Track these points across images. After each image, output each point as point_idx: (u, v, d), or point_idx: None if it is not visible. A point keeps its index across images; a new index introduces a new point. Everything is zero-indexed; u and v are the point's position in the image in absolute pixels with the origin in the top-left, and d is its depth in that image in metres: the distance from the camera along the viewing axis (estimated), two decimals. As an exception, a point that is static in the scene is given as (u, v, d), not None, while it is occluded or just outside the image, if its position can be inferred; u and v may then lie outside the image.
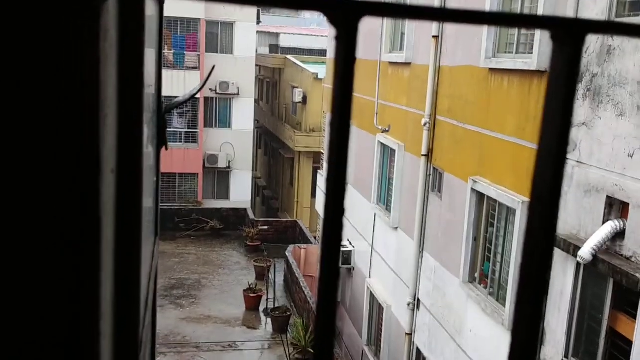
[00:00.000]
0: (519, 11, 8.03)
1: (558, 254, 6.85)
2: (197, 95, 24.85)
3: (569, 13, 6.75)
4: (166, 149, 1.63)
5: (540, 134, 0.45)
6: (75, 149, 0.53)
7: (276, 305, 16.87)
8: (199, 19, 25.13)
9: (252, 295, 17.33)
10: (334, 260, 0.42)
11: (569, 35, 0.43)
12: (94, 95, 0.53)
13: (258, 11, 27.15)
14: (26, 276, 0.54)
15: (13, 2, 0.49)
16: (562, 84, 0.43)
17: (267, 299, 17.19)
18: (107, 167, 0.62)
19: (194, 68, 25.14)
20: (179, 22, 25.10)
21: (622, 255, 5.98)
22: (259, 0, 0.37)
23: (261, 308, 17.39)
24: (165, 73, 25.57)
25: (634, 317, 5.85)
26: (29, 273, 0.54)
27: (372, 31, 13.25)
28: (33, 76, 0.51)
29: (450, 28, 9.82)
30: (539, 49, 7.22)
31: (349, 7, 0.37)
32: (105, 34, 0.57)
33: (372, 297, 13.12)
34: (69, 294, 0.56)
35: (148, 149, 1.41)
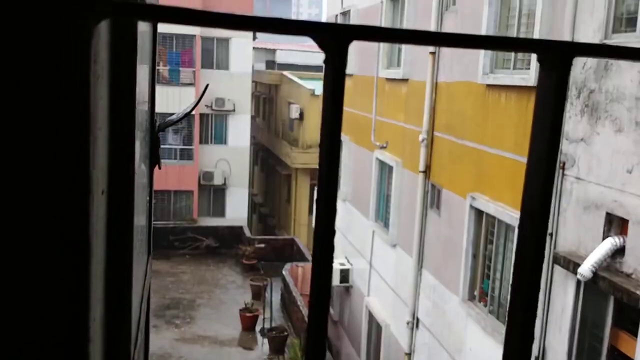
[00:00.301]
0: (515, 28, 8.04)
1: (558, 271, 6.78)
2: (192, 112, 24.85)
3: (566, 30, 6.75)
4: (159, 167, 1.59)
5: (530, 153, 0.47)
6: (65, 171, 0.53)
7: (273, 325, 16.70)
8: (195, 35, 25.22)
9: (248, 315, 17.16)
10: (326, 277, 0.44)
11: (556, 58, 0.43)
12: (84, 117, 0.53)
13: (254, 29, 27.26)
14: (13, 297, 0.55)
15: (5, 25, 0.49)
16: (550, 106, 0.44)
17: (263, 319, 17.03)
18: (98, 188, 0.61)
19: (189, 84, 25.17)
20: (174, 38, 25.19)
21: (622, 272, 5.92)
22: (250, 25, 0.36)
23: (257, 328, 17.22)
24: (160, 89, 25.67)
25: (635, 335, 5.78)
26: (16, 293, 0.55)
27: (368, 47, 13.29)
28: (24, 97, 0.52)
29: (447, 44, 9.84)
30: (537, 65, 7.21)
31: (337, 32, 0.37)
32: (96, 56, 0.57)
33: (371, 316, 13.00)
34: (58, 315, 0.56)
35: (141, 168, 1.37)
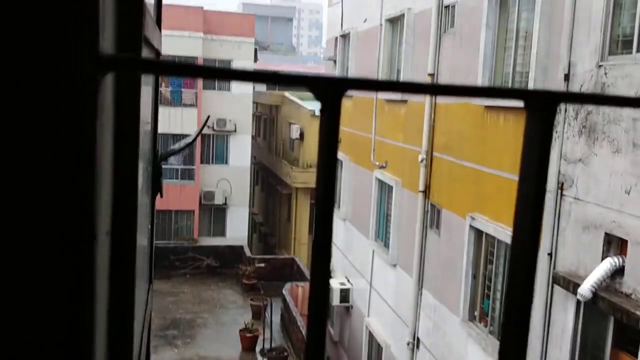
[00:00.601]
0: (513, 50, 8.13)
1: (558, 291, 6.78)
2: (194, 140, 24.94)
3: (563, 52, 6.84)
4: (161, 196, 1.62)
5: (517, 198, 0.48)
6: (71, 217, 0.55)
7: (273, 346, 16.60)
8: (197, 57, 25.43)
9: (248, 335, 17.06)
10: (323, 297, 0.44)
11: (541, 105, 0.46)
12: (90, 165, 0.55)
13: (255, 49, 27.52)
14: (17, 338, 0.56)
15: (18, 76, 0.52)
16: (537, 150, 0.46)
17: (263, 339, 16.92)
18: (102, 230, 0.63)
19: (191, 105, 25.33)
20: (175, 60, 25.35)
21: (622, 292, 5.92)
22: (251, 78, 0.38)
23: (257, 348, 17.10)
24: (162, 110, 25.74)
25: (636, 355, 5.76)
26: (20, 336, 0.56)
27: (368, 69, 13.41)
28: (34, 146, 0.54)
29: (445, 65, 9.94)
30: (534, 86, 7.29)
31: (332, 83, 0.39)
32: (103, 106, 0.60)
33: (371, 336, 12.93)
34: (63, 353, 0.57)
35: (143, 197, 1.40)
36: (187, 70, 0.39)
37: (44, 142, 0.53)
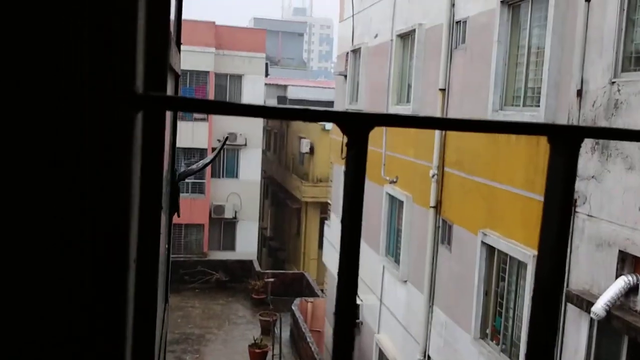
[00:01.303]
0: (524, 66, 8.11)
1: (571, 309, 6.70)
2: (205, 146, 25.09)
3: (575, 69, 6.81)
4: (178, 216, 1.62)
5: (541, 231, 0.48)
6: (106, 246, 0.56)
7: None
8: (208, 72, 25.60)
9: (257, 350, 16.98)
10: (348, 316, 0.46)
11: (565, 140, 0.45)
12: (125, 196, 0.57)
13: (266, 64, 27.68)
14: None
15: (60, 117, 0.53)
16: (561, 186, 0.46)
17: (272, 355, 16.83)
18: (131, 259, 0.63)
19: (202, 119, 25.46)
20: (188, 74, 25.58)
21: (636, 311, 5.84)
22: (279, 114, 0.38)
23: (267, 363, 17.01)
24: (174, 125, 25.54)
25: (652, 376, 5.66)
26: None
27: (379, 83, 13.43)
28: (76, 185, 0.55)
29: (457, 81, 9.93)
30: (546, 102, 7.26)
31: (360, 119, 0.40)
32: (135, 141, 0.61)
33: (381, 353, 12.82)
34: None
35: (162, 219, 1.39)
36: (215, 107, 0.38)
37: (85, 182, 0.54)
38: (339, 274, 0.42)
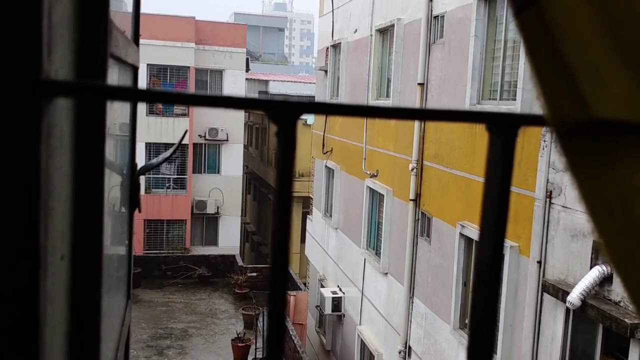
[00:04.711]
0: (501, 59, 8.21)
1: (547, 299, 6.82)
2: (186, 142, 24.97)
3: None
4: (139, 211, 1.64)
5: (481, 217, 0.48)
6: (11, 244, 0.53)
7: (265, 355, 16.54)
8: (189, 67, 25.45)
9: (240, 344, 17.00)
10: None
11: (503, 128, 0.46)
12: (33, 189, 0.53)
13: (247, 59, 27.57)
14: None
15: None
16: (500, 171, 0.47)
17: (255, 349, 16.87)
18: (56, 254, 0.62)
19: (182, 115, 25.32)
20: (168, 70, 25.40)
21: (610, 300, 5.97)
22: (205, 103, 0.40)
23: (250, 358, 17.04)
24: (154, 120, 25.53)
25: (625, 362, 5.80)
26: None
27: (359, 78, 13.48)
28: None
29: (435, 75, 10.02)
30: (522, 95, 7.37)
31: (285, 107, 0.41)
32: (51, 130, 0.57)
33: (363, 345, 12.92)
34: None
35: (120, 212, 1.41)
36: (135, 94, 0.40)
37: None
38: (271, 264, 0.44)
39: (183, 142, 24.77)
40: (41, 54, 0.51)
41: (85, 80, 0.77)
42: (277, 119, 0.42)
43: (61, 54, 0.64)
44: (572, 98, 0.42)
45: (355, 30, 13.92)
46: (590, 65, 0.40)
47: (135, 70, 1.67)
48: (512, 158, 0.47)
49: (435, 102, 9.97)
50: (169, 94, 0.39)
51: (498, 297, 0.48)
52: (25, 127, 0.51)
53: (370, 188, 12.75)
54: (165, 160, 2.27)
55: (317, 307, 15.68)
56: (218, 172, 26.85)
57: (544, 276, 6.92)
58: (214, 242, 26.73)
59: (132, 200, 1.61)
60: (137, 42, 1.68)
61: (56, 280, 0.65)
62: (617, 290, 5.89)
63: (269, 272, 0.44)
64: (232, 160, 26.86)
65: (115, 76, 1.16)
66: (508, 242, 7.65)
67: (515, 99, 7.65)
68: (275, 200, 0.42)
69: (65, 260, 0.69)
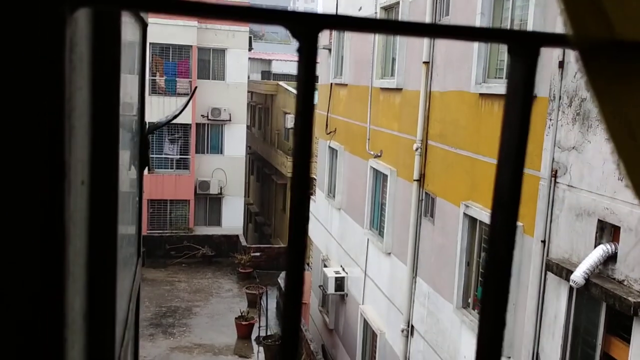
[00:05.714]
0: (509, 20, 8.11)
1: (551, 278, 6.83)
2: (189, 121, 24.91)
3: (559, 23, 6.82)
4: (149, 169, 1.63)
5: (500, 145, 0.48)
6: (38, 157, 0.52)
7: (269, 333, 16.68)
8: (191, 46, 25.30)
9: (244, 323, 17.13)
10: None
11: (524, 47, 0.45)
12: (57, 105, 0.52)
13: (250, 38, 27.39)
14: None
15: None
16: (520, 95, 0.45)
17: (259, 327, 17.00)
18: (77, 178, 0.61)
19: (185, 94, 25.22)
20: (170, 49, 25.26)
21: (614, 278, 5.97)
22: (222, 14, 0.38)
23: (253, 336, 17.18)
24: (157, 99, 25.46)
25: (628, 341, 5.82)
26: None
27: (363, 57, 13.38)
28: None
29: (441, 54, 9.93)
30: (528, 74, 7.29)
31: (308, 20, 0.39)
32: (73, 46, 0.56)
33: (366, 324, 13.00)
34: (32, 306, 0.55)
35: (130, 170, 1.40)
36: (153, 3, 0.38)
37: (8, 78, 0.50)
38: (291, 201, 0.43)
39: (186, 122, 24.69)
40: None
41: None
42: (300, 32, 0.39)
43: None
44: (596, 17, 0.42)
45: (360, 8, 13.78)
46: None
47: (145, 26, 1.65)
48: (534, 79, 0.46)
49: (440, 80, 9.89)
50: (189, 2, 0.38)
51: (516, 222, 0.48)
52: (51, 36, 0.50)
53: (374, 168, 12.72)
54: (174, 117, 2.27)
55: (320, 286, 15.76)
56: (221, 153, 26.83)
57: (548, 255, 6.92)
58: (217, 222, 26.81)
59: (142, 158, 1.59)
60: None
61: (79, 205, 0.64)
62: (621, 269, 5.89)
63: (290, 214, 0.42)
64: (235, 140, 26.82)
65: (134, 31, 1.14)
66: (512, 222, 7.63)
67: (521, 78, 7.57)
68: (296, 117, 0.40)
69: (86, 187, 0.68)
